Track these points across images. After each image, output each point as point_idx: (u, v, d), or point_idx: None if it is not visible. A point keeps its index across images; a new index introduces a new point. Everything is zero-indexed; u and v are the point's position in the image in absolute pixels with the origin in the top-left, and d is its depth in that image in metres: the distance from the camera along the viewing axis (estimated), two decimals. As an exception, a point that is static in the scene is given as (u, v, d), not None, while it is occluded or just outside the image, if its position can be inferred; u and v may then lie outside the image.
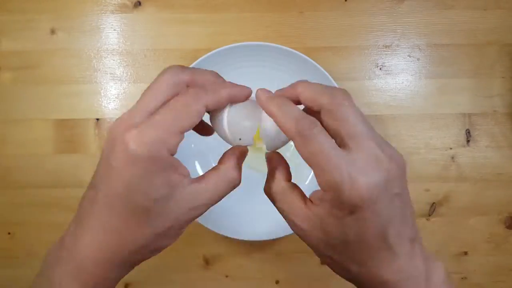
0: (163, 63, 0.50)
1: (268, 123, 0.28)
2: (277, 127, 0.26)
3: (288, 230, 0.44)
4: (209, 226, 0.44)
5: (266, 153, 0.30)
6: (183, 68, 0.27)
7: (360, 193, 0.22)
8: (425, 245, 0.50)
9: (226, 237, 0.45)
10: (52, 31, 0.51)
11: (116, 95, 0.51)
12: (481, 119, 0.51)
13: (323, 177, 0.23)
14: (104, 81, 0.51)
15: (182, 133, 0.25)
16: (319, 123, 0.24)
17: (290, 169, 0.30)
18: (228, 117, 0.29)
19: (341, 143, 0.24)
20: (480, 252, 0.51)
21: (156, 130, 0.23)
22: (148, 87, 0.25)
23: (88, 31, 0.51)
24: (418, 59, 0.51)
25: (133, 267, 0.27)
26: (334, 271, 0.27)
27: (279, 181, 0.28)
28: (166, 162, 0.23)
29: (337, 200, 0.22)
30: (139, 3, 0.51)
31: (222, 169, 0.28)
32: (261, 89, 0.28)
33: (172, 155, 0.25)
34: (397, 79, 0.51)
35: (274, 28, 0.51)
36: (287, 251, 0.51)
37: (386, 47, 0.51)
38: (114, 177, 0.24)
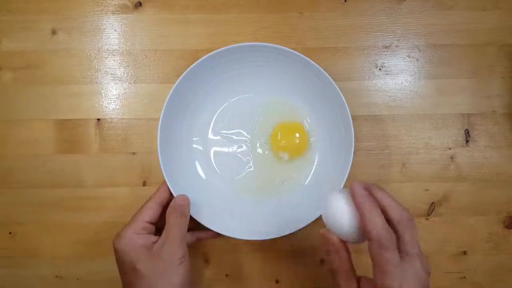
0: (163, 63, 0.51)
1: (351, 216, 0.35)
2: (356, 223, 0.34)
3: (288, 230, 0.45)
4: (209, 226, 0.44)
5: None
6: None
7: None
8: (424, 245, 0.51)
9: (226, 237, 0.45)
10: (53, 32, 0.51)
11: (117, 96, 0.51)
12: (480, 119, 0.51)
13: (382, 280, 0.31)
14: (105, 81, 0.51)
15: (147, 220, 0.42)
16: (395, 238, 0.32)
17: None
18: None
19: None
20: (479, 252, 0.51)
21: (124, 227, 0.41)
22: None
23: (89, 31, 0.51)
24: (417, 60, 0.52)
25: None
26: None
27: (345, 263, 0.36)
28: (136, 243, 0.40)
29: None
30: (140, 4, 0.51)
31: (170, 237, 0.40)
32: (357, 184, 0.35)
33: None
34: (396, 80, 0.51)
35: (274, 28, 0.51)
36: (287, 251, 0.51)
37: (385, 47, 0.52)
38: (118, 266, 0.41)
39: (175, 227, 0.40)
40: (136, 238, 0.39)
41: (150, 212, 0.42)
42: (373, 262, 0.32)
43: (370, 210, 0.33)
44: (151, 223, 0.42)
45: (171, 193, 0.44)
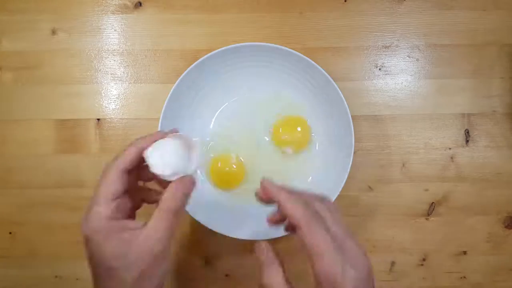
0: (163, 63, 0.51)
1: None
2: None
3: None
4: (209, 226, 0.44)
5: (259, 250, 0.33)
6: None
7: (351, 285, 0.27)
8: (424, 245, 0.51)
9: (226, 237, 0.45)
10: (53, 32, 0.51)
11: (117, 95, 0.51)
12: (480, 119, 0.51)
13: (321, 267, 0.28)
14: (105, 81, 0.51)
15: (114, 196, 0.32)
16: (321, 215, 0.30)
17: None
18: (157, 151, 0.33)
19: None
20: (479, 252, 0.51)
21: (91, 208, 0.31)
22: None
23: (89, 31, 0.51)
24: (417, 60, 0.52)
25: None
26: None
27: (279, 279, 0.33)
28: (109, 229, 0.31)
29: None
30: (140, 4, 0.51)
31: (163, 206, 0.32)
32: (266, 181, 0.33)
33: (124, 216, 0.33)
34: (396, 80, 0.51)
35: (274, 28, 0.51)
36: (287, 251, 0.51)
37: (385, 47, 0.52)
38: (87, 257, 0.33)
39: (164, 222, 0.31)
40: (110, 225, 0.31)
41: (117, 182, 0.32)
42: (307, 250, 0.29)
43: (289, 195, 0.31)
44: (123, 198, 0.33)
45: (139, 156, 0.34)
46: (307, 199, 0.32)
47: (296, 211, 0.30)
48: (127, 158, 0.33)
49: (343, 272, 0.27)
